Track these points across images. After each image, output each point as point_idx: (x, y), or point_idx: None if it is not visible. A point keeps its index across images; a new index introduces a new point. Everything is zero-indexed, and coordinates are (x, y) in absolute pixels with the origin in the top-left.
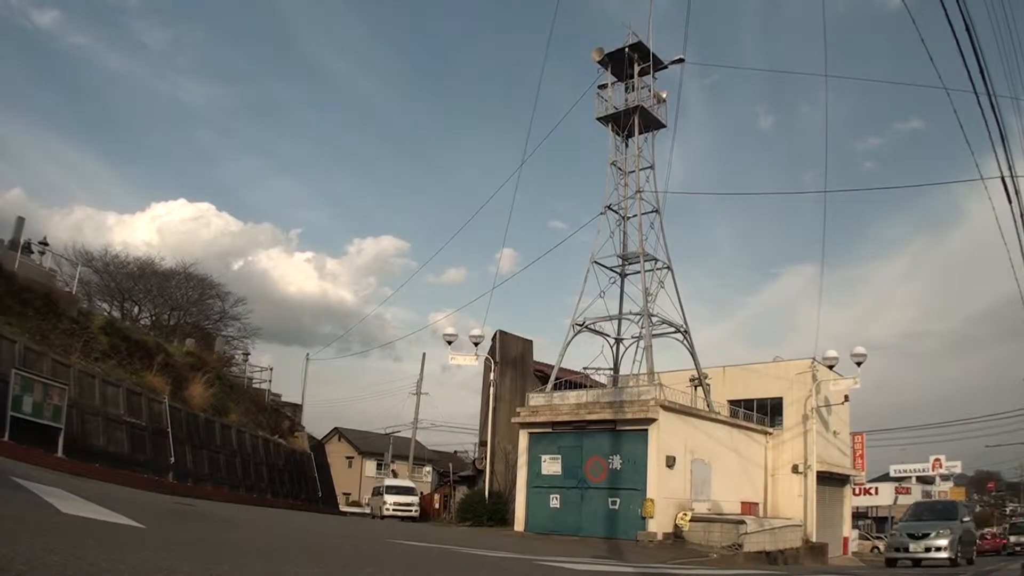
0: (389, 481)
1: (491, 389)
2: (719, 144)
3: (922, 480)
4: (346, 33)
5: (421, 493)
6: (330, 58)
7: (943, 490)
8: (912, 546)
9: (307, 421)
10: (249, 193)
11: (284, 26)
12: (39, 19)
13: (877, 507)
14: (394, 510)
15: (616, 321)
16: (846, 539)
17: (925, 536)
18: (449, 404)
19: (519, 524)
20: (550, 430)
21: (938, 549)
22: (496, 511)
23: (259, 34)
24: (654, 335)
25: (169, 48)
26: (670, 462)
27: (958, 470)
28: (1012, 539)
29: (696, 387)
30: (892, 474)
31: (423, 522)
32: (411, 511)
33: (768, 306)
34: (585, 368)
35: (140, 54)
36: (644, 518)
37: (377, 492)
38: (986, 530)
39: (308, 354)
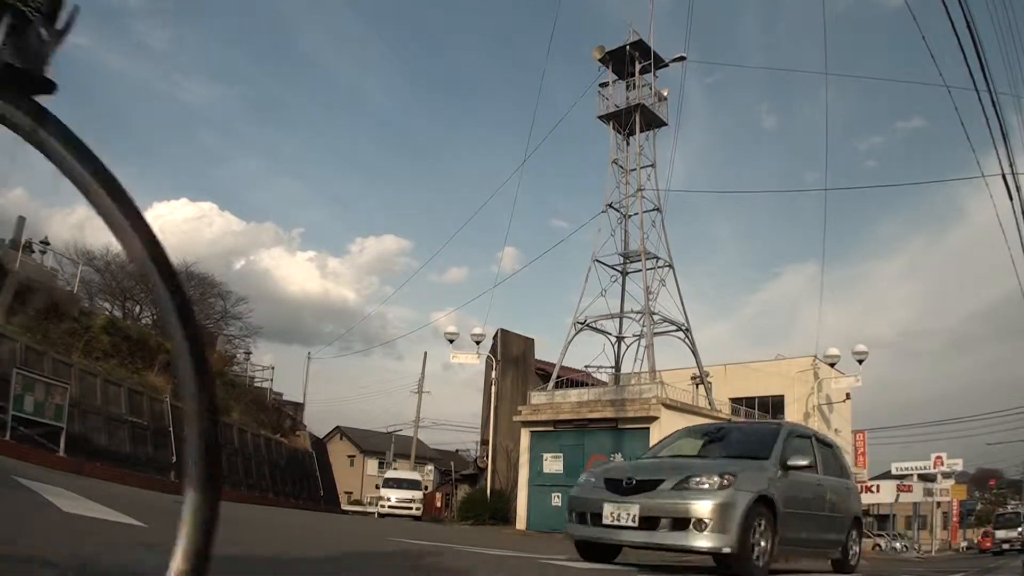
0: (389, 473)
1: (492, 387)
2: (720, 143)
3: (923, 478)
4: (347, 33)
5: (426, 488)
6: (331, 58)
7: (944, 487)
8: (611, 511)
9: (309, 420)
10: (251, 193)
11: (285, 26)
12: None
13: (879, 505)
14: (391, 507)
15: (617, 319)
16: None
17: (648, 489)
18: (451, 403)
19: (521, 522)
20: (552, 428)
21: (682, 524)
22: (498, 509)
23: (260, 34)
24: (655, 333)
25: (171, 48)
26: None
27: (959, 468)
28: (999, 535)
29: (697, 385)
30: (894, 472)
31: (427, 522)
32: (412, 509)
33: (769, 304)
34: (587, 366)
35: (142, 54)
36: None
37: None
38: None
39: (310, 353)
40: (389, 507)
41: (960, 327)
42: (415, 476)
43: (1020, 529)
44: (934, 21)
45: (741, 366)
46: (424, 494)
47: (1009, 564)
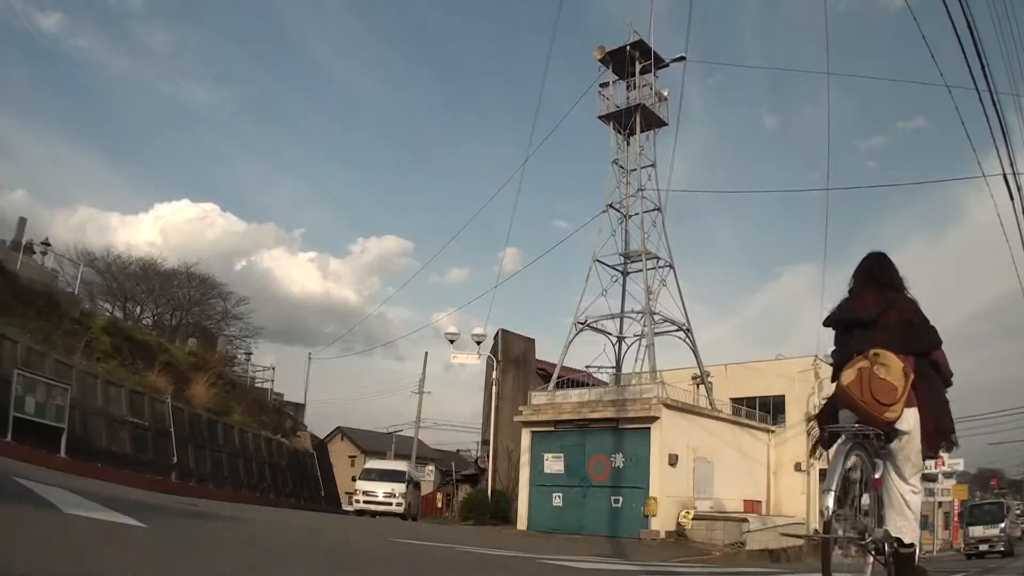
0: (371, 463)
1: (493, 388)
2: (721, 144)
3: (925, 477)
4: (348, 34)
5: (410, 479)
6: (333, 60)
7: (946, 487)
8: None
9: (310, 420)
10: (253, 194)
11: (286, 28)
12: (42, 22)
13: None
14: (366, 503)
15: (618, 319)
16: None
17: None
18: (452, 403)
19: (522, 523)
20: (553, 428)
21: None
22: (499, 510)
23: (261, 36)
24: (656, 333)
25: (173, 50)
26: (673, 460)
27: (961, 468)
28: (974, 533)
29: (698, 385)
30: None
31: (417, 522)
32: (392, 505)
33: (770, 305)
34: (587, 366)
35: (143, 56)
36: (647, 516)
37: None
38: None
39: (310, 353)
40: (364, 502)
41: (961, 327)
42: (399, 466)
43: (1003, 525)
44: (935, 21)
45: (742, 366)
46: (409, 487)
47: (1009, 565)
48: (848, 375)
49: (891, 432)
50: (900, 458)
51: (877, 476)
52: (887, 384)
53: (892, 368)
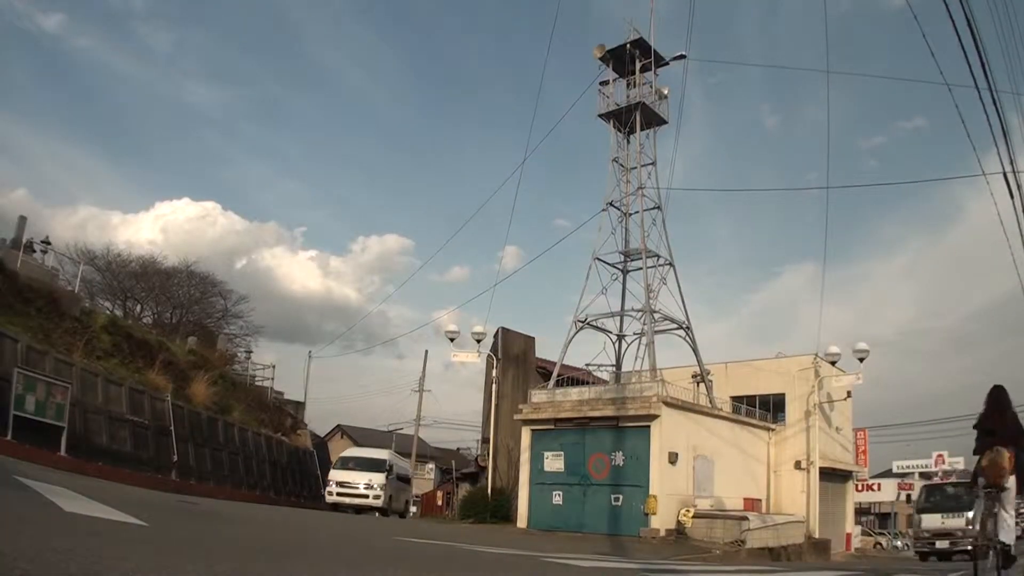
0: (349, 450)
1: (493, 386)
2: (721, 144)
3: (925, 476)
4: (349, 34)
5: (391, 469)
6: (334, 60)
7: None
8: None
9: (310, 419)
10: (254, 193)
11: (288, 28)
12: (44, 22)
13: (880, 503)
14: (340, 495)
15: (618, 317)
16: (849, 535)
17: None
18: (452, 401)
19: (522, 521)
20: (552, 427)
21: None
22: (499, 508)
23: (263, 36)
24: (656, 331)
25: (174, 51)
26: (673, 458)
27: (961, 466)
28: (927, 523)
29: (698, 383)
30: (895, 470)
31: (420, 521)
32: (370, 497)
33: (770, 304)
34: (587, 365)
35: (145, 57)
36: (647, 514)
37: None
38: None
39: (311, 352)
40: (338, 494)
41: (961, 326)
42: (379, 454)
43: (972, 515)
44: (935, 20)
45: (742, 364)
46: (390, 478)
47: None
48: (984, 460)
49: (1002, 489)
50: (1005, 501)
51: (995, 511)
52: (1000, 467)
53: (1004, 457)
